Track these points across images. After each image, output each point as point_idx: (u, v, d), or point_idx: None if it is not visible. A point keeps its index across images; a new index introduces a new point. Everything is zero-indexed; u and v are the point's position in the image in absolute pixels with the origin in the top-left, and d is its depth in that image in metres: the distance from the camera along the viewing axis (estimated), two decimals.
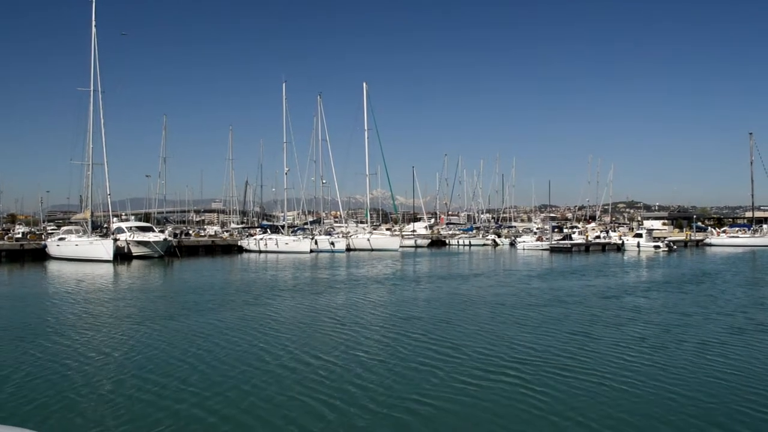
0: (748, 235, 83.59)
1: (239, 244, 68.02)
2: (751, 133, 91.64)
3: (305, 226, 75.99)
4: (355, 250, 66.33)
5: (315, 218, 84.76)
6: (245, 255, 60.97)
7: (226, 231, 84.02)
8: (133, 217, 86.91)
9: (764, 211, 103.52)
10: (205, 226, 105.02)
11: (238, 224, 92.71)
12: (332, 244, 64.71)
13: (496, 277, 35.43)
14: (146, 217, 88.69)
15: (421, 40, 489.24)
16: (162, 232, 62.06)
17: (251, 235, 71.45)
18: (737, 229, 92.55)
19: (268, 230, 74.71)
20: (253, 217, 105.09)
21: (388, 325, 18.08)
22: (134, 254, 51.11)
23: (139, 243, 51.90)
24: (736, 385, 11.06)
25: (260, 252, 63.45)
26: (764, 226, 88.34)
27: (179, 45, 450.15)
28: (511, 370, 12.11)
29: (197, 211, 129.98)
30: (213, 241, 69.21)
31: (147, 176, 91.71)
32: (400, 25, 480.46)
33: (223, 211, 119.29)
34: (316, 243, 64.29)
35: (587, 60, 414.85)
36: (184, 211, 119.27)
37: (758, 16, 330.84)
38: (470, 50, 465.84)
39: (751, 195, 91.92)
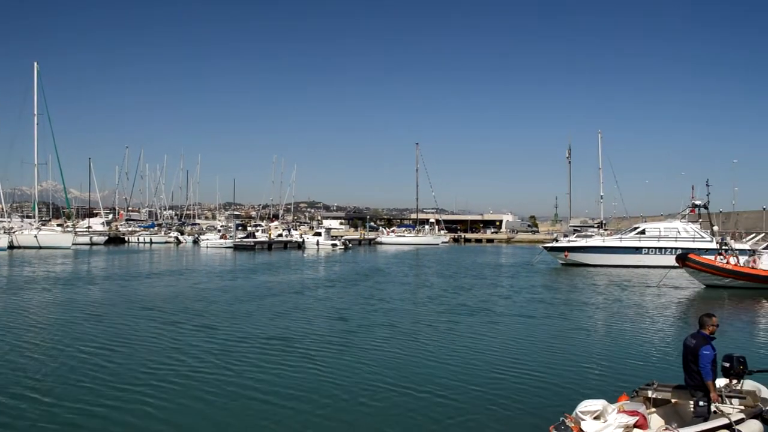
0: (412, 235, 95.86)
1: None
2: (417, 143, 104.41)
3: None
4: (19, 248, 60.99)
5: None
6: None
7: None
8: None
9: (427, 213, 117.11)
10: None
11: None
12: None
13: (183, 275, 35.19)
14: None
15: (96, 24, 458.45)
16: None
17: None
18: (404, 229, 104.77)
19: None
20: None
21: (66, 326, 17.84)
22: None
23: None
24: (463, 347, 14.73)
25: None
26: (426, 226, 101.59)
27: None
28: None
29: None
30: None
31: None
32: (75, 7, 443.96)
33: None
34: None
35: (273, 64, 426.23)
36: None
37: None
38: (143, 35, 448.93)
39: (416, 199, 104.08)
